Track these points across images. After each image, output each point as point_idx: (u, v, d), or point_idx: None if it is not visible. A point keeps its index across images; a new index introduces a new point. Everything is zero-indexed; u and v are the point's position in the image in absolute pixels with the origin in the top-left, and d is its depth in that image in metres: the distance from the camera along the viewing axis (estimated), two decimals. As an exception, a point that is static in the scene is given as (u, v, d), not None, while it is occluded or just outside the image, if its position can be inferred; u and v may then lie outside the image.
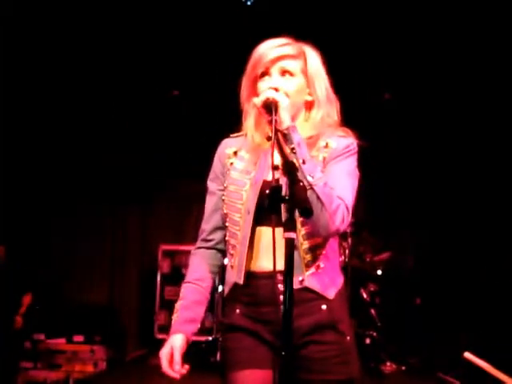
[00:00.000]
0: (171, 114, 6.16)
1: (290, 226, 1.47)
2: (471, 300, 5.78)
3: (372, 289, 5.49)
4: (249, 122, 1.90)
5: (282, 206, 1.55)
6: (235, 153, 1.94)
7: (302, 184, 1.48)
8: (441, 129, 6.11)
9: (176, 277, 5.91)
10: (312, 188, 1.62)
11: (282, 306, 1.61)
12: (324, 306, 1.78)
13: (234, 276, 1.85)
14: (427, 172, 6.22)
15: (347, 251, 5.25)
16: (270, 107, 1.67)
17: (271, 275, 1.70)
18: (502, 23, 4.90)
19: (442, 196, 6.12)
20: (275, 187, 1.48)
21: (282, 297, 1.65)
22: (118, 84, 5.92)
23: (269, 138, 1.65)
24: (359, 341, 5.11)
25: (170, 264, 6.10)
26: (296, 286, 1.63)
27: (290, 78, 1.84)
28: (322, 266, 1.80)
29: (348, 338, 1.82)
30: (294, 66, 1.84)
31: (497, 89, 5.48)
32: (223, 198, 1.91)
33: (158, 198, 6.56)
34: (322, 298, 1.79)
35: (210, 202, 1.99)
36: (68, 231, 6.32)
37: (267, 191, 1.59)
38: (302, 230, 1.72)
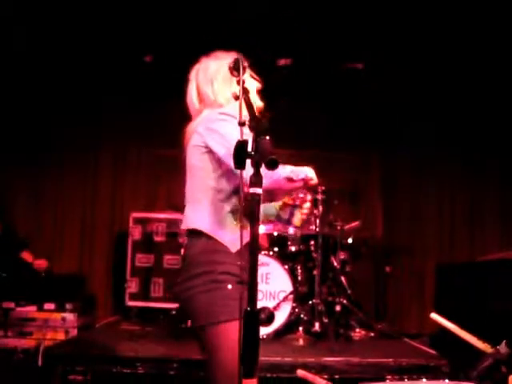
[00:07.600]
0: (144, 79, 6.10)
1: (256, 180, 1.49)
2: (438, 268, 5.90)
3: (342, 257, 5.54)
4: None
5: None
6: None
7: (267, 138, 1.51)
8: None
9: (147, 244, 5.90)
10: None
11: None
12: None
13: None
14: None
15: (318, 219, 5.28)
16: (238, 67, 1.72)
17: None
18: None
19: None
20: (241, 143, 1.49)
21: None
22: (91, 49, 5.85)
23: (237, 97, 1.68)
24: (330, 308, 5.19)
25: (142, 231, 6.04)
26: None
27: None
28: None
29: None
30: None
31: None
32: None
33: (129, 166, 6.51)
34: None
35: None
36: (37, 197, 6.23)
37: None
38: None
